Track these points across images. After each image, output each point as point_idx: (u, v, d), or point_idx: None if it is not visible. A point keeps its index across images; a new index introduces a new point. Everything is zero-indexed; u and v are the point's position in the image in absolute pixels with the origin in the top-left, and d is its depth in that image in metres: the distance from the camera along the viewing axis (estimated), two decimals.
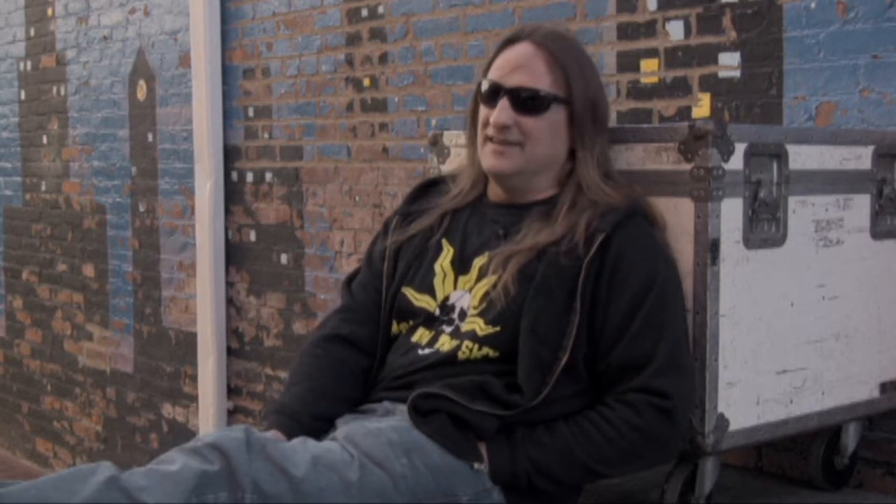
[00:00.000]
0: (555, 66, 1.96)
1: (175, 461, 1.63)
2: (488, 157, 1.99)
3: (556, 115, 1.96)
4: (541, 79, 1.96)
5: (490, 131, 1.97)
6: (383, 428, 1.81)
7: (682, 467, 1.97)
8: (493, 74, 1.99)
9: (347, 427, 1.85)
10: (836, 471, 2.31)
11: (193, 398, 4.56)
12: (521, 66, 1.96)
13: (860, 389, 2.19)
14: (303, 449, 1.72)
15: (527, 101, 1.95)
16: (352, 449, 1.75)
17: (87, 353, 5.28)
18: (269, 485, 1.63)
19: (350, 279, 2.18)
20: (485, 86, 2.00)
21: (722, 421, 1.92)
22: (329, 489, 1.68)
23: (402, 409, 1.86)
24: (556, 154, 1.99)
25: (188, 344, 4.58)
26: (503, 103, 1.95)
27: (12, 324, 5.87)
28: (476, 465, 1.80)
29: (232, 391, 4.39)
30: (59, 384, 5.50)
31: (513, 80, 1.96)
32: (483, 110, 2.00)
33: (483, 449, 1.82)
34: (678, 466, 1.98)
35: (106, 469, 1.58)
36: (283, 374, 4.04)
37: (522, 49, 1.98)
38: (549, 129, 1.96)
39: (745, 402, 1.97)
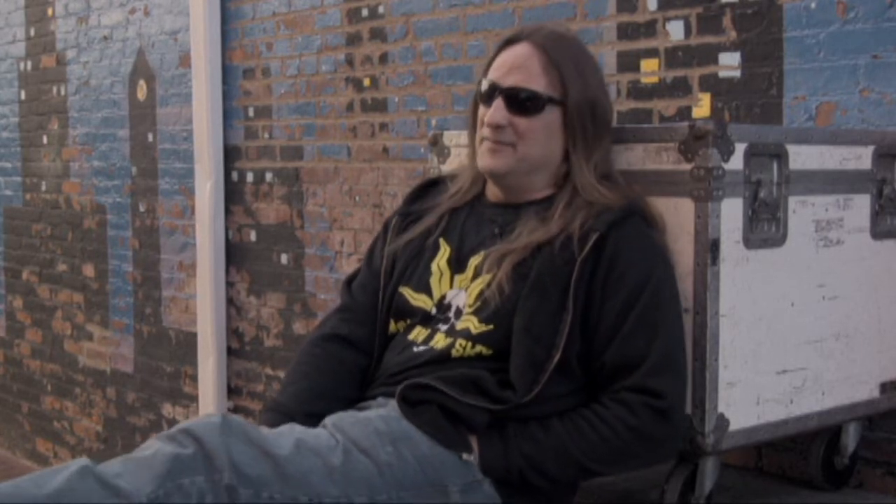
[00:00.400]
0: (551, 68, 1.96)
1: (150, 447, 1.64)
2: (483, 156, 2.00)
3: (551, 116, 1.96)
4: (536, 80, 1.96)
5: (485, 131, 1.98)
6: (371, 417, 1.82)
7: (683, 467, 1.97)
8: (492, 74, 2.00)
9: (336, 416, 1.86)
10: (836, 471, 2.31)
11: (194, 398, 4.56)
12: (517, 66, 1.97)
13: (860, 389, 2.19)
14: (288, 432, 1.74)
15: (521, 102, 1.95)
16: (338, 435, 1.76)
17: (87, 353, 5.28)
18: (250, 467, 1.64)
19: (350, 279, 2.19)
20: (484, 86, 2.01)
21: (722, 421, 1.92)
22: (312, 472, 1.68)
23: (394, 402, 1.86)
24: (550, 155, 1.99)
25: (188, 344, 4.58)
26: (498, 103, 1.96)
27: (12, 324, 5.87)
28: (465, 456, 1.81)
29: (232, 391, 4.38)
30: (60, 384, 5.50)
31: (508, 81, 1.97)
32: (481, 110, 2.02)
33: (474, 441, 1.83)
34: (678, 466, 1.98)
35: (81, 461, 1.60)
36: (284, 374, 4.04)
37: (520, 50, 1.99)
38: (543, 130, 1.97)
39: (746, 402, 1.96)
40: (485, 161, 2.00)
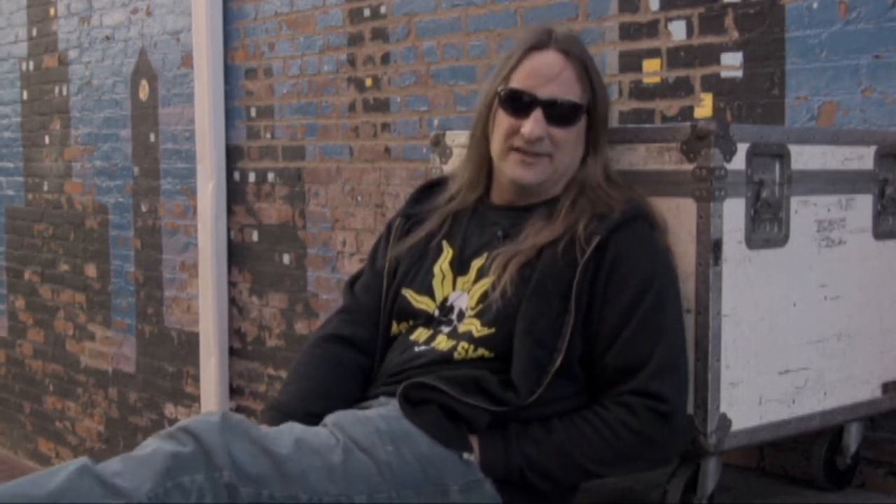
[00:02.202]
0: (583, 77, 1.96)
1: (149, 446, 1.64)
2: (514, 168, 1.97)
3: (581, 124, 1.97)
4: (572, 90, 1.95)
5: (518, 142, 1.95)
6: (372, 416, 1.82)
7: (685, 467, 1.97)
8: (522, 83, 1.96)
9: (337, 415, 1.86)
10: (838, 471, 2.31)
11: (195, 398, 4.56)
12: (553, 76, 1.95)
13: (862, 389, 2.19)
14: (288, 431, 1.74)
15: (561, 114, 1.94)
16: (338, 434, 1.76)
17: (89, 353, 5.28)
18: (250, 465, 1.64)
19: (353, 281, 2.19)
20: (510, 93, 1.97)
21: (724, 421, 1.92)
22: (312, 471, 1.68)
23: (395, 401, 1.86)
24: (575, 161, 2.00)
25: (190, 344, 4.58)
26: (537, 115, 1.93)
27: (14, 324, 5.87)
28: (465, 456, 1.80)
29: (234, 391, 4.39)
30: (62, 384, 5.50)
31: (547, 92, 1.94)
32: (505, 118, 1.98)
33: (474, 441, 1.83)
34: (680, 466, 1.98)
35: (80, 461, 1.60)
36: (285, 374, 4.04)
37: (552, 58, 1.96)
38: (575, 139, 1.97)
39: (748, 403, 1.96)
40: (517, 172, 1.97)
